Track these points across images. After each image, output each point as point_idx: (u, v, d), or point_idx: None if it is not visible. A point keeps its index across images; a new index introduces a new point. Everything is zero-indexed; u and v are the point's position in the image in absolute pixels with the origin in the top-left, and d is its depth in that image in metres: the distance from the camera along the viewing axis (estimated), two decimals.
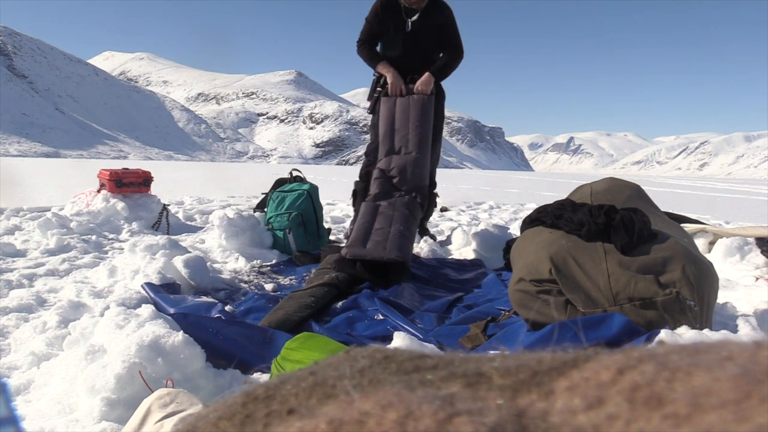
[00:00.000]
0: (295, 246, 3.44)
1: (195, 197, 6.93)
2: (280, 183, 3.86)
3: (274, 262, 3.25)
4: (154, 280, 2.41)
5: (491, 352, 0.29)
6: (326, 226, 4.11)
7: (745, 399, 0.18)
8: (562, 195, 2.37)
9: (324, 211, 4.20)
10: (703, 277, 1.75)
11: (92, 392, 1.36)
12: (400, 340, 1.66)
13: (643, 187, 2.41)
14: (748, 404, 0.18)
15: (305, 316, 2.16)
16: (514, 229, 3.71)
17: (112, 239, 3.92)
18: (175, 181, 10.47)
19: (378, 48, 3.63)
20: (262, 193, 3.95)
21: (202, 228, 4.59)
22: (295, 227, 3.49)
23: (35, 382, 1.59)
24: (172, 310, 2.04)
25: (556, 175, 30.48)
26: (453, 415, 0.19)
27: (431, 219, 4.70)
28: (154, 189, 4.75)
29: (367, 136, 3.79)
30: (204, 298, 2.34)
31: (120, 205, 4.40)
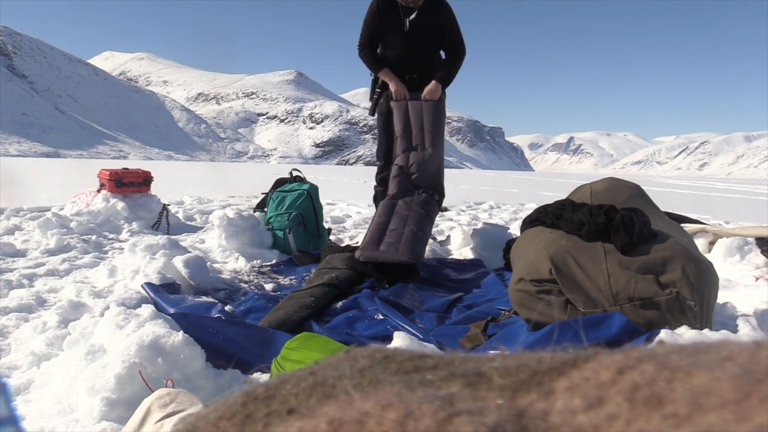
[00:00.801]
0: (295, 246, 3.44)
1: (195, 197, 6.93)
2: (280, 183, 3.86)
3: (274, 262, 3.25)
4: (154, 280, 2.41)
5: (491, 352, 0.29)
6: (326, 226, 4.11)
7: (745, 399, 0.18)
8: (562, 195, 2.37)
9: (324, 211, 4.20)
10: (703, 277, 1.75)
11: (92, 392, 1.36)
12: (400, 340, 1.66)
13: (643, 187, 2.41)
14: (748, 404, 0.18)
15: (305, 316, 2.16)
16: (514, 229, 3.71)
17: (112, 239, 3.92)
18: (175, 181, 10.47)
19: (378, 49, 3.63)
20: (262, 193, 3.95)
21: (202, 228, 4.60)
22: (295, 227, 3.49)
23: (35, 382, 1.59)
24: (172, 310, 2.04)
25: (556, 175, 30.49)
26: (453, 415, 0.19)
27: None
28: (154, 189, 4.75)
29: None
30: (204, 298, 2.34)
31: (120, 205, 4.40)
